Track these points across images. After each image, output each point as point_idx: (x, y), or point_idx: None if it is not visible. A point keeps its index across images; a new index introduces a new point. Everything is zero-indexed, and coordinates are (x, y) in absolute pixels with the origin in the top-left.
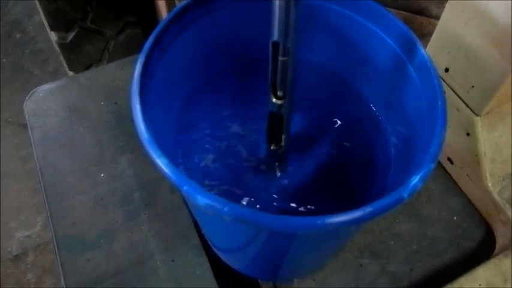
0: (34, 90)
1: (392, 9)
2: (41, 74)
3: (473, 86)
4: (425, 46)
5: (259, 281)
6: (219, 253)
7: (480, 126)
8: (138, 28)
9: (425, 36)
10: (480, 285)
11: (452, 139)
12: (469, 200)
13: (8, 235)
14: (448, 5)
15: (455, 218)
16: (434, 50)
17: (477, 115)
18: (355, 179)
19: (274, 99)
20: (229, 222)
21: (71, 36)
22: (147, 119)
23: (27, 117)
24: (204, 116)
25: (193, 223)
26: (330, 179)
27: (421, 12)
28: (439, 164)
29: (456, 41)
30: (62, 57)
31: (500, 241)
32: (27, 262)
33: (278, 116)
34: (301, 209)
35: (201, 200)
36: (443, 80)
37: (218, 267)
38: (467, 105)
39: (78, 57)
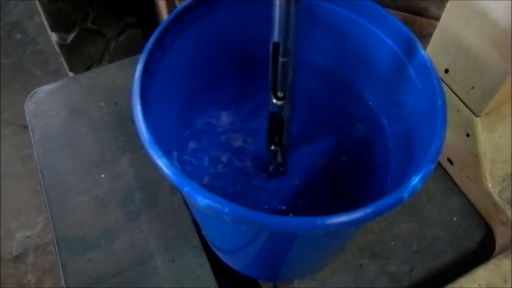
0: (35, 90)
1: (392, 10)
2: (42, 74)
3: (473, 87)
4: (425, 47)
5: (259, 281)
6: (219, 253)
7: (480, 126)
8: (139, 29)
9: (425, 37)
10: (480, 285)
11: (452, 140)
12: (469, 201)
13: (8, 235)
14: (448, 6)
15: (455, 218)
16: (434, 51)
17: (477, 116)
18: (355, 179)
19: (274, 100)
20: (229, 222)
21: (71, 37)
22: (147, 120)
23: (28, 118)
24: (204, 116)
25: (193, 223)
26: (330, 179)
27: (421, 13)
28: (439, 164)
29: (456, 42)
30: (62, 58)
31: (500, 241)
32: (27, 263)
33: (278, 117)
34: (301, 209)
35: (202, 200)
36: (443, 81)
37: (218, 267)
38: (467, 106)
39: (79, 57)
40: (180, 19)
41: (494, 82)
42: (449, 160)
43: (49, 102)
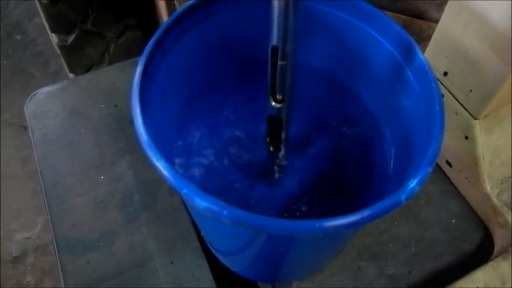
0: (35, 92)
1: (390, 13)
2: (41, 75)
3: (471, 90)
4: (424, 50)
5: (258, 283)
6: (218, 255)
7: (478, 129)
8: (139, 31)
9: (424, 39)
10: (478, 287)
11: (450, 142)
12: (467, 203)
13: (7, 237)
14: (446, 9)
15: (453, 220)
16: (433, 54)
17: (475, 118)
18: (353, 182)
19: (273, 103)
20: (228, 225)
21: (71, 38)
22: (147, 122)
23: (27, 119)
24: (203, 117)
25: (192, 225)
26: (329, 182)
27: (420, 15)
28: (438, 167)
29: (455, 45)
30: (62, 59)
31: (498, 244)
32: (26, 264)
33: (277, 119)
34: (300, 212)
35: (200, 202)
36: (442, 84)
37: (217, 269)
38: (465, 109)
39: (79, 59)
40: (179, 22)
41: (492, 85)
42: (448, 162)
43: (49, 103)
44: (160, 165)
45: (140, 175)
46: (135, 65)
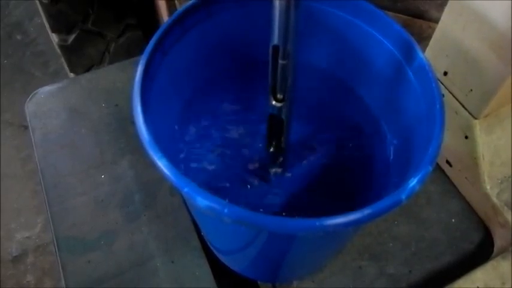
0: (35, 92)
1: (391, 13)
2: (42, 75)
3: (471, 90)
4: (424, 49)
5: (259, 282)
6: (218, 255)
7: (478, 129)
8: (139, 30)
9: (424, 39)
10: (478, 287)
11: (451, 142)
12: (467, 203)
13: (8, 236)
14: (447, 9)
15: (453, 220)
16: (433, 54)
17: (476, 118)
18: (354, 181)
19: (274, 102)
20: (229, 223)
21: (72, 38)
22: (148, 121)
23: (28, 119)
24: (203, 117)
25: (193, 224)
26: (330, 181)
27: (421, 15)
28: (438, 166)
29: (455, 45)
30: (62, 59)
31: (498, 243)
32: (27, 263)
33: (278, 119)
34: (300, 211)
35: (202, 201)
36: (442, 84)
37: (218, 268)
38: (465, 109)
39: (79, 59)
40: (180, 22)
41: (492, 85)
42: (448, 162)
43: (49, 103)
44: (162, 164)
45: (141, 175)
46: (136, 64)
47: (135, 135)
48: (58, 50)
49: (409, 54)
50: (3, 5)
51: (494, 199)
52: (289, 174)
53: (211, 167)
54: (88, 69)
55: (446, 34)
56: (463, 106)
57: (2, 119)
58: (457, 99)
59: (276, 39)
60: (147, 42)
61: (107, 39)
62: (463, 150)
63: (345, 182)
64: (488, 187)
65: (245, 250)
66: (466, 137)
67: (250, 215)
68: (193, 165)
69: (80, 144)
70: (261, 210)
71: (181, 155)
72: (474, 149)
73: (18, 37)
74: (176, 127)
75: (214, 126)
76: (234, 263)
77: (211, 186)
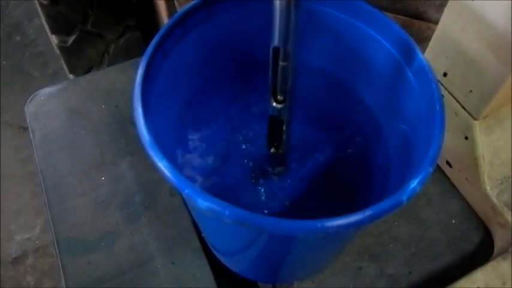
0: (35, 93)
1: (391, 14)
2: (41, 76)
3: (471, 91)
4: (424, 50)
5: (259, 283)
6: (219, 256)
7: (478, 129)
8: (139, 32)
9: (423, 40)
10: (478, 287)
11: (451, 143)
12: (467, 203)
13: (7, 237)
14: (446, 9)
15: (453, 221)
16: (433, 55)
17: (475, 119)
18: (354, 182)
19: (274, 103)
20: (229, 225)
21: (71, 39)
22: (148, 122)
23: (28, 120)
24: (203, 118)
25: (193, 225)
26: (330, 182)
27: (420, 16)
28: (438, 167)
29: (454, 46)
30: (62, 60)
31: (498, 244)
32: (26, 265)
33: (278, 120)
34: (301, 212)
35: (202, 203)
36: (442, 85)
37: (218, 270)
38: (465, 109)
39: (79, 60)
40: (180, 23)
41: (492, 85)
42: (448, 163)
43: (49, 104)
44: (163, 165)
45: (141, 175)
46: (135, 65)
47: (135, 136)
48: (57, 51)
49: (408, 55)
50: (3, 6)
51: (494, 199)
52: (289, 176)
53: (211, 168)
54: (87, 71)
55: (446, 35)
56: (463, 107)
57: (1, 119)
58: (456, 100)
59: (276, 41)
60: (147, 44)
61: (106, 41)
62: (463, 151)
63: (345, 182)
64: (488, 187)
65: (246, 251)
66: (466, 138)
67: (251, 217)
68: (193, 166)
69: (80, 145)
70: (262, 211)
71: (182, 156)
72: (474, 149)
73: (18, 38)
74: (176, 128)
75: (213, 127)
76: (234, 264)
77: (211, 187)
